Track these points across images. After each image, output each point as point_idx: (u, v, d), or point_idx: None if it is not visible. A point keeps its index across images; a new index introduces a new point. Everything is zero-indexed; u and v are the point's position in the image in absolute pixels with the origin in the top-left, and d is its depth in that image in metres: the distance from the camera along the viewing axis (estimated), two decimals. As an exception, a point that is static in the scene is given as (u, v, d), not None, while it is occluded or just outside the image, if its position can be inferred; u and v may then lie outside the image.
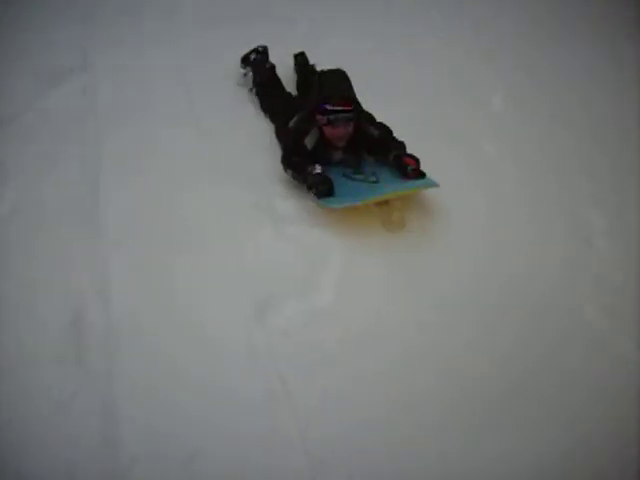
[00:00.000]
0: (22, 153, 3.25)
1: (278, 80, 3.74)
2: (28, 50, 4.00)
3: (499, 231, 3.02)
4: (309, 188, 3.01)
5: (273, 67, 3.77)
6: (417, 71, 4.01)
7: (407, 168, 3.07)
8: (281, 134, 3.36)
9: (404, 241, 2.92)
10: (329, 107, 3.04)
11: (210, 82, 3.78)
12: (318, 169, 3.01)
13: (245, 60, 3.82)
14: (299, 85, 3.79)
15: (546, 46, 4.32)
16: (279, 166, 3.15)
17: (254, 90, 3.70)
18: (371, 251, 2.87)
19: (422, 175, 3.06)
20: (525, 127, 3.66)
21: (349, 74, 3.15)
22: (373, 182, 3.12)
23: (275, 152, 3.28)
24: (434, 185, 3.01)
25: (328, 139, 3.12)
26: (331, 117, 3.05)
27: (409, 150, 3.15)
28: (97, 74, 3.83)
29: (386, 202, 2.99)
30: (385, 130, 3.21)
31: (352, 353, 2.50)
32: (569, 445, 2.30)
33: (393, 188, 3.03)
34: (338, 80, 3.13)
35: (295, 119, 3.24)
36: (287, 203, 3.07)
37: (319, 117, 3.08)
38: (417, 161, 3.10)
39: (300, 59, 3.89)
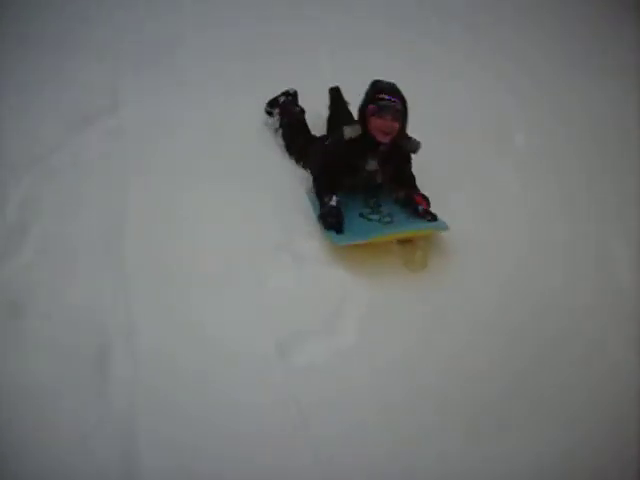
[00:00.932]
0: (50, 193, 3.30)
1: (305, 124, 3.79)
2: (59, 90, 4.09)
3: (518, 267, 3.05)
4: (319, 218, 3.07)
5: (303, 111, 3.82)
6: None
7: (418, 208, 3.12)
8: (312, 158, 3.43)
9: (425, 279, 2.94)
10: (383, 96, 3.10)
11: (237, 124, 3.82)
12: (334, 201, 3.07)
13: (273, 102, 3.87)
14: (330, 120, 3.83)
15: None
16: (303, 205, 3.19)
17: (280, 131, 3.74)
18: (392, 289, 2.88)
19: (433, 217, 3.08)
20: (544, 160, 3.69)
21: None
22: (387, 222, 3.14)
23: (299, 193, 3.33)
24: (444, 228, 3.03)
25: (372, 134, 3.15)
26: (382, 104, 3.10)
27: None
28: (126, 117, 3.91)
29: (409, 241, 3.01)
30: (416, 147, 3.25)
31: (373, 390, 2.49)
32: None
33: (402, 228, 3.06)
34: (389, 83, 3.19)
35: (330, 141, 3.33)
36: (310, 242, 3.09)
37: (370, 107, 3.12)
38: (428, 202, 3.15)
39: (334, 94, 3.94)
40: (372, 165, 3.22)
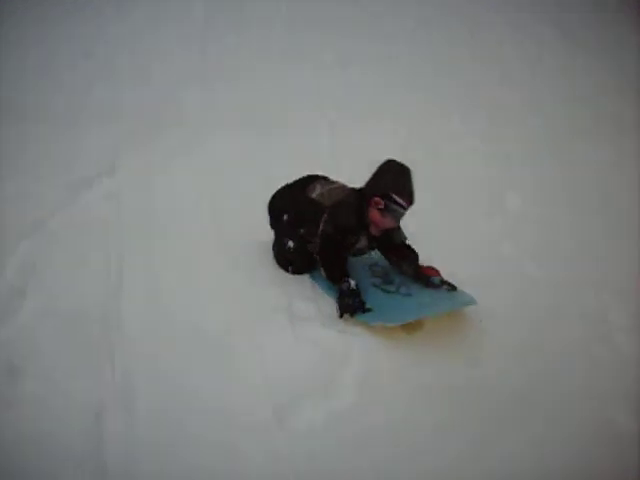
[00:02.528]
0: (48, 256, 3.33)
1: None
2: (58, 154, 4.18)
3: (518, 330, 3.06)
4: (340, 301, 3.01)
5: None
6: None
7: (432, 279, 3.12)
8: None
9: (424, 342, 2.94)
10: (397, 198, 3.04)
11: (235, 195, 3.89)
12: (353, 285, 3.02)
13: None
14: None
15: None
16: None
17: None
18: (391, 351, 2.87)
19: (452, 287, 3.09)
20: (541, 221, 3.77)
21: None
22: (406, 295, 3.11)
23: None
24: (474, 304, 3.02)
25: (370, 222, 3.12)
26: (393, 207, 3.05)
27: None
28: (123, 181, 3.98)
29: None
30: (405, 238, 3.26)
31: (372, 453, 2.47)
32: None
33: (437, 309, 3.01)
34: (407, 178, 3.09)
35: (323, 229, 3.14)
36: (307, 304, 3.11)
37: (378, 200, 3.04)
38: (437, 271, 3.16)
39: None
40: (363, 242, 3.21)
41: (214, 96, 4.97)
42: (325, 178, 3.36)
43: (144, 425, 2.50)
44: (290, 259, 3.29)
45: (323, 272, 3.13)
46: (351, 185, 3.28)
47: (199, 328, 2.94)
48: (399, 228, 3.22)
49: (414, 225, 3.28)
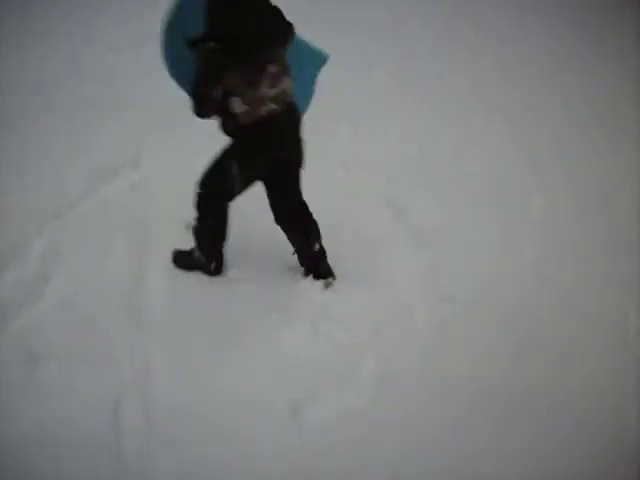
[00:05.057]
0: (72, 244, 3.39)
1: None
2: (85, 142, 4.25)
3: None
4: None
5: None
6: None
7: None
8: None
9: (438, 340, 2.94)
10: None
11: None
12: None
13: None
14: None
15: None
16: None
17: None
18: (403, 349, 2.88)
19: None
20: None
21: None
22: None
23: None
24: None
25: None
26: None
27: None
28: (147, 172, 4.02)
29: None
30: None
31: (387, 450, 2.47)
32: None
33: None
34: None
35: None
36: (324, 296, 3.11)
37: None
38: None
39: None
40: None
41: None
42: None
43: (161, 414, 2.54)
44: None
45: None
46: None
47: (217, 320, 2.97)
48: None
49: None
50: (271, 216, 3.12)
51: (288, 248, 3.18)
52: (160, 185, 3.87)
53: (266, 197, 3.09)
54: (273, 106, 2.81)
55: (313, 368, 2.76)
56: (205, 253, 3.16)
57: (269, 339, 2.89)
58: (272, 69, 2.77)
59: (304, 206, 3.13)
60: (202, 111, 2.77)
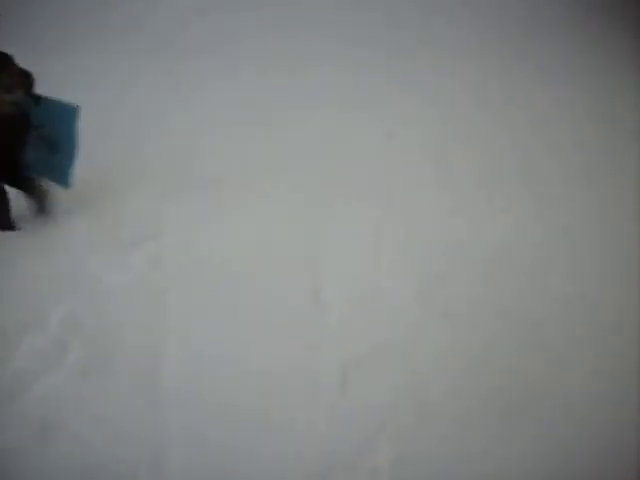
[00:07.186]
0: (90, 313, 3.40)
1: None
2: (106, 213, 4.27)
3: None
4: None
5: None
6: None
7: None
8: None
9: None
10: None
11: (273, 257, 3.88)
12: None
13: None
14: None
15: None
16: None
17: None
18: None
19: None
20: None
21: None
22: None
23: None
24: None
25: None
26: None
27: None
28: (167, 243, 4.03)
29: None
30: None
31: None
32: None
33: None
34: None
35: None
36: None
37: None
38: None
39: None
40: None
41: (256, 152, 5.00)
42: None
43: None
44: None
45: None
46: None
47: (235, 393, 2.93)
48: None
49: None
50: None
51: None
52: (178, 259, 3.88)
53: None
54: None
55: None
56: None
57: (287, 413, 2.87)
58: None
59: None
60: None
